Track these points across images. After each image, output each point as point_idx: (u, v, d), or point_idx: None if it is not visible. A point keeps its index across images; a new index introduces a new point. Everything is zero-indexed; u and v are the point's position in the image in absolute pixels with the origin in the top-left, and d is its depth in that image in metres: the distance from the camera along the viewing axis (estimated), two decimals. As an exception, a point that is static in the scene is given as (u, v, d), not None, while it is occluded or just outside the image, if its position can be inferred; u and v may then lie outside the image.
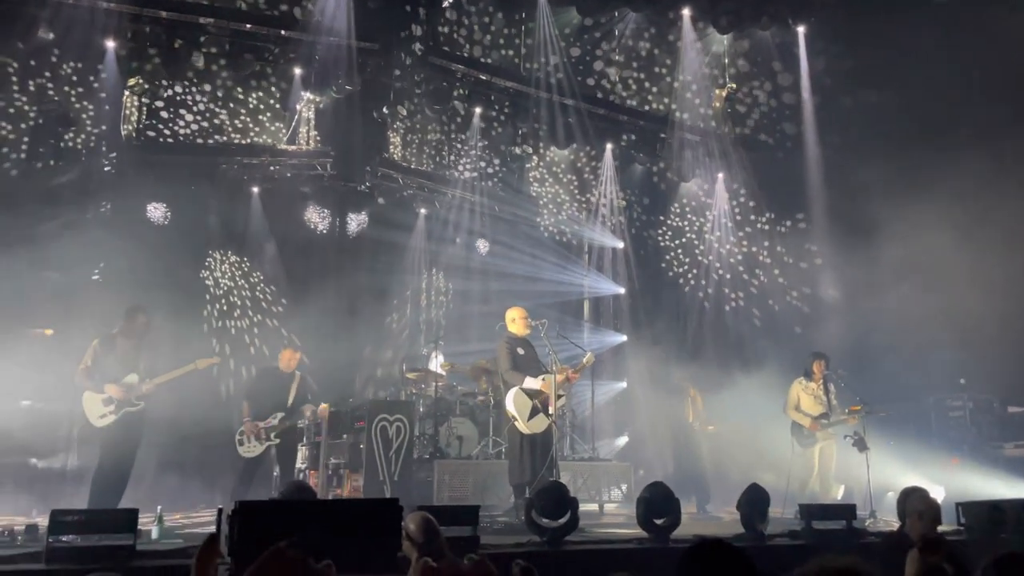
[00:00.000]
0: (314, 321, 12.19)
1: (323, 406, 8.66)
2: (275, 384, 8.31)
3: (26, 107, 11.24)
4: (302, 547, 1.74)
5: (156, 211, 11.94)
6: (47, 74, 11.24)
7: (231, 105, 12.67)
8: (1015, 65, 10.78)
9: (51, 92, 11.29)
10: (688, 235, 15.20)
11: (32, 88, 11.21)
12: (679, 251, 15.26)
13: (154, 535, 5.69)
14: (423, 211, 13.80)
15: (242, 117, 12.75)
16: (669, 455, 10.95)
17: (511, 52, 14.21)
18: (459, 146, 13.94)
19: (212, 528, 4.31)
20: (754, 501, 5.93)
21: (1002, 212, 10.25)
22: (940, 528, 5.36)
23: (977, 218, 10.50)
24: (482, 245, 14.18)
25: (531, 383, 7.41)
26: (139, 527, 4.87)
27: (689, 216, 15.24)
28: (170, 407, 8.15)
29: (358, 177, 12.78)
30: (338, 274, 12.70)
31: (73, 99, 11.55)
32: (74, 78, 11.48)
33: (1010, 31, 11.07)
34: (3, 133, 11.13)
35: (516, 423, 7.39)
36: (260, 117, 12.85)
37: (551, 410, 7.38)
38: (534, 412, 7.35)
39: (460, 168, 13.82)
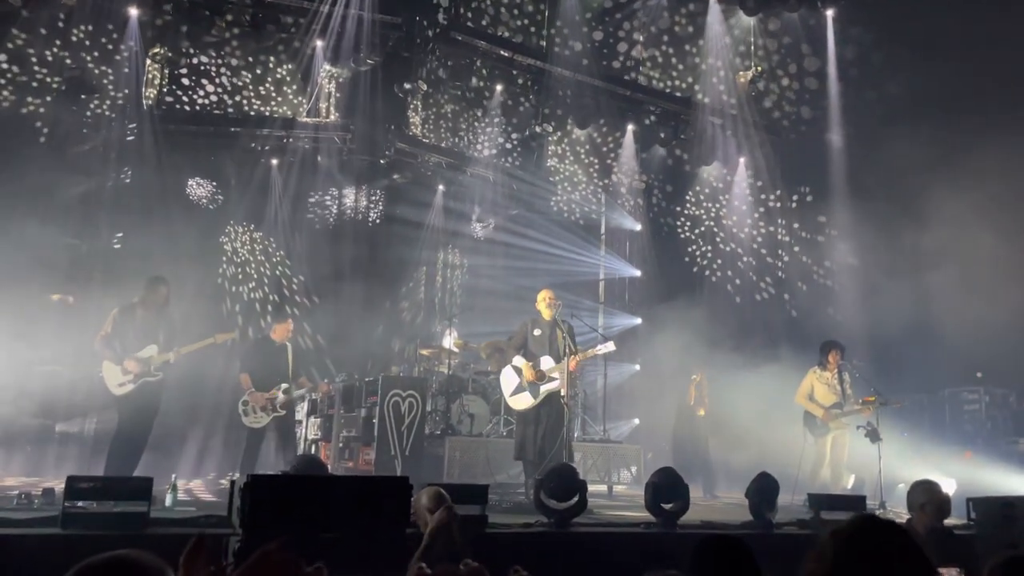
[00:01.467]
0: (330, 294, 12.26)
1: (323, 384, 8.69)
2: (274, 356, 8.27)
3: (48, 79, 11.23)
4: (293, 549, 1.75)
5: (191, 185, 12.06)
6: (58, 41, 11.19)
7: (253, 76, 12.68)
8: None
9: (68, 61, 11.25)
10: (708, 219, 15.08)
11: (50, 59, 11.17)
12: (699, 234, 15.14)
13: (167, 502, 5.77)
14: (441, 187, 13.79)
15: (263, 88, 12.76)
16: (674, 439, 10.99)
17: (534, 30, 14.09)
18: (479, 123, 13.87)
19: (223, 500, 4.38)
20: (763, 489, 5.92)
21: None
22: (949, 522, 5.35)
23: (999, 211, 10.34)
24: (499, 223, 14.16)
25: (518, 361, 7.56)
26: (154, 495, 4.95)
27: (705, 203, 15.10)
28: (186, 377, 8.23)
29: (377, 151, 12.79)
30: (355, 247, 12.77)
31: (92, 65, 11.50)
32: (87, 43, 11.40)
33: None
34: (31, 108, 11.13)
35: (504, 397, 7.76)
36: (282, 89, 12.85)
37: (542, 392, 7.44)
38: (518, 389, 7.51)
39: (479, 145, 13.78)
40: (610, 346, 7.83)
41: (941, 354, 10.42)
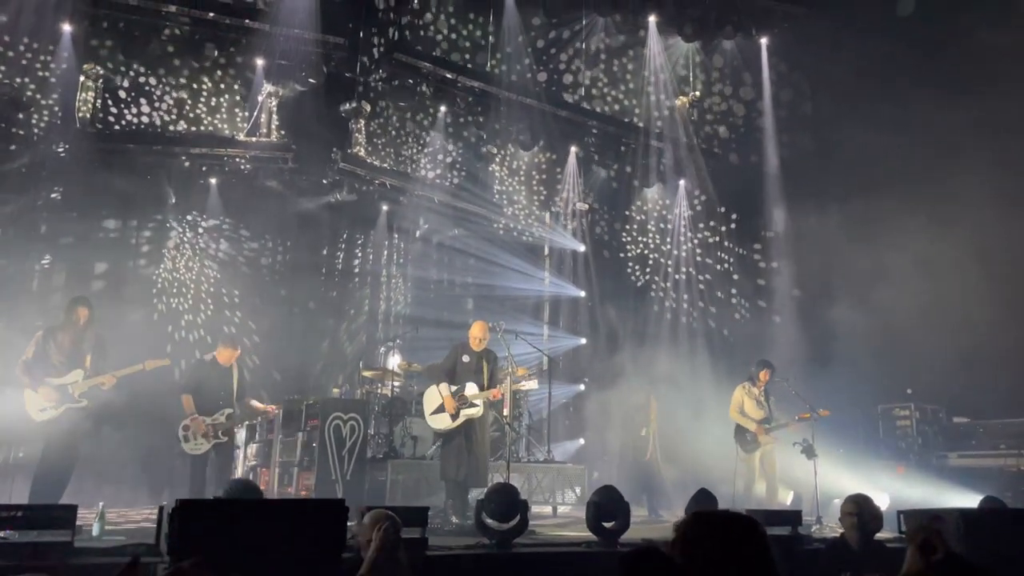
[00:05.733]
0: (270, 316, 12.04)
1: (272, 407, 8.50)
2: (217, 378, 8.00)
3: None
4: (207, 566, 1.72)
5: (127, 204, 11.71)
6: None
7: (191, 94, 12.44)
8: (976, 78, 10.98)
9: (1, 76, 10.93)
10: (650, 239, 15.29)
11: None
12: (641, 255, 15.33)
13: (95, 531, 5.55)
14: (385, 208, 13.68)
15: (202, 107, 12.52)
16: (621, 459, 11.05)
17: (478, 52, 14.18)
18: (423, 144, 13.85)
19: (153, 526, 4.24)
20: (702, 505, 5.99)
21: (956, 230, 10.47)
22: (881, 535, 5.47)
23: (929, 233, 10.71)
24: (444, 243, 14.13)
25: (443, 388, 7.85)
26: (81, 524, 4.77)
27: (647, 224, 15.33)
28: (118, 401, 7.95)
29: (320, 171, 12.66)
30: (296, 268, 12.56)
31: (19, 81, 11.13)
32: (19, 59, 11.08)
33: (972, 41, 11.32)
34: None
35: (424, 415, 8.06)
36: (221, 108, 12.62)
37: (462, 415, 7.74)
38: (438, 410, 7.81)
39: (424, 166, 13.75)
40: (533, 384, 8.51)
41: (873, 371, 10.69)
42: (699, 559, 2.12)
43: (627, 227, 15.48)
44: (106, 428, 8.09)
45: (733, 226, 14.78)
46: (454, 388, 7.83)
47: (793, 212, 13.39)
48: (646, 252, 15.26)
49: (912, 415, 10.92)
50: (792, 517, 6.21)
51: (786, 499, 9.25)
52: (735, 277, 14.53)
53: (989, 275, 10.28)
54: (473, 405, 7.76)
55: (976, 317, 10.10)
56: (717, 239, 14.80)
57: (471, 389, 7.81)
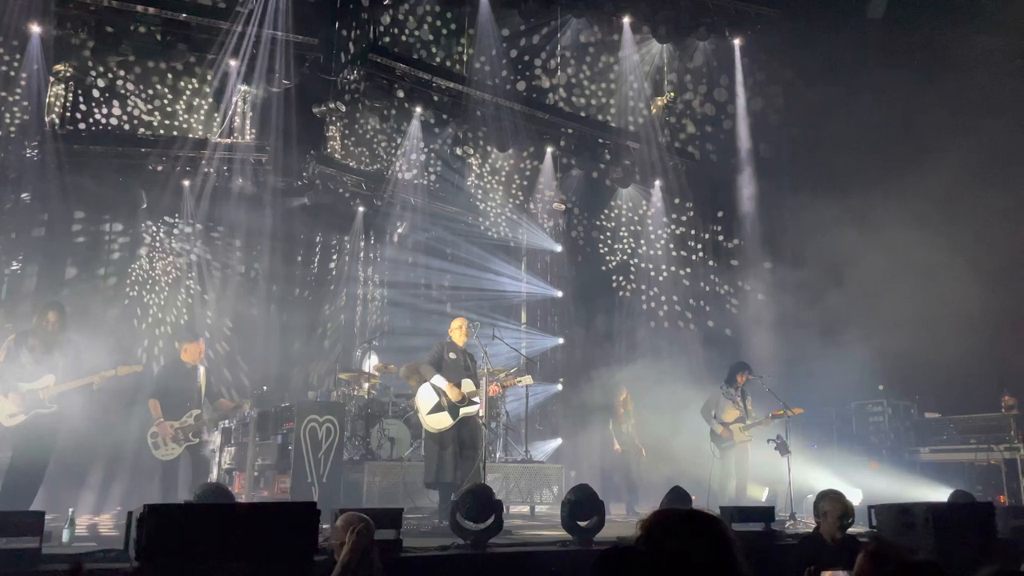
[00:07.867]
0: (245, 318, 11.95)
1: (243, 401, 8.45)
2: (184, 380, 7.87)
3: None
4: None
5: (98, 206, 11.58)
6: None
7: (164, 95, 12.32)
8: (947, 78, 11.12)
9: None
10: (626, 240, 15.34)
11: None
12: (617, 255, 15.37)
13: (65, 538, 5.49)
14: (361, 209, 13.63)
15: (175, 108, 12.40)
16: (601, 456, 11.09)
17: (453, 53, 14.15)
18: (399, 144, 13.80)
19: (121, 533, 4.19)
20: (676, 503, 6.02)
21: (929, 227, 10.60)
22: (852, 530, 5.53)
23: (903, 231, 10.85)
24: (420, 245, 14.09)
25: (439, 381, 7.57)
26: (51, 530, 4.70)
27: (623, 225, 15.38)
28: (91, 405, 7.84)
29: (294, 173, 12.58)
30: (271, 270, 12.47)
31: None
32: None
33: (943, 46, 11.48)
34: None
35: (419, 416, 7.73)
36: (196, 109, 12.51)
37: (461, 413, 7.50)
38: (437, 408, 7.51)
39: (399, 167, 13.70)
40: (528, 380, 8.35)
41: (846, 368, 10.81)
42: (661, 556, 2.14)
43: (604, 227, 15.52)
44: (77, 433, 7.94)
45: (708, 225, 14.87)
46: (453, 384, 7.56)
47: (766, 213, 13.53)
48: (622, 252, 15.30)
49: (885, 411, 11.04)
50: (765, 513, 6.27)
51: (761, 496, 9.34)
52: (710, 276, 14.63)
53: (961, 272, 10.42)
54: (473, 403, 7.56)
55: (948, 314, 10.22)
56: (692, 239, 14.89)
57: (468, 386, 7.60)
